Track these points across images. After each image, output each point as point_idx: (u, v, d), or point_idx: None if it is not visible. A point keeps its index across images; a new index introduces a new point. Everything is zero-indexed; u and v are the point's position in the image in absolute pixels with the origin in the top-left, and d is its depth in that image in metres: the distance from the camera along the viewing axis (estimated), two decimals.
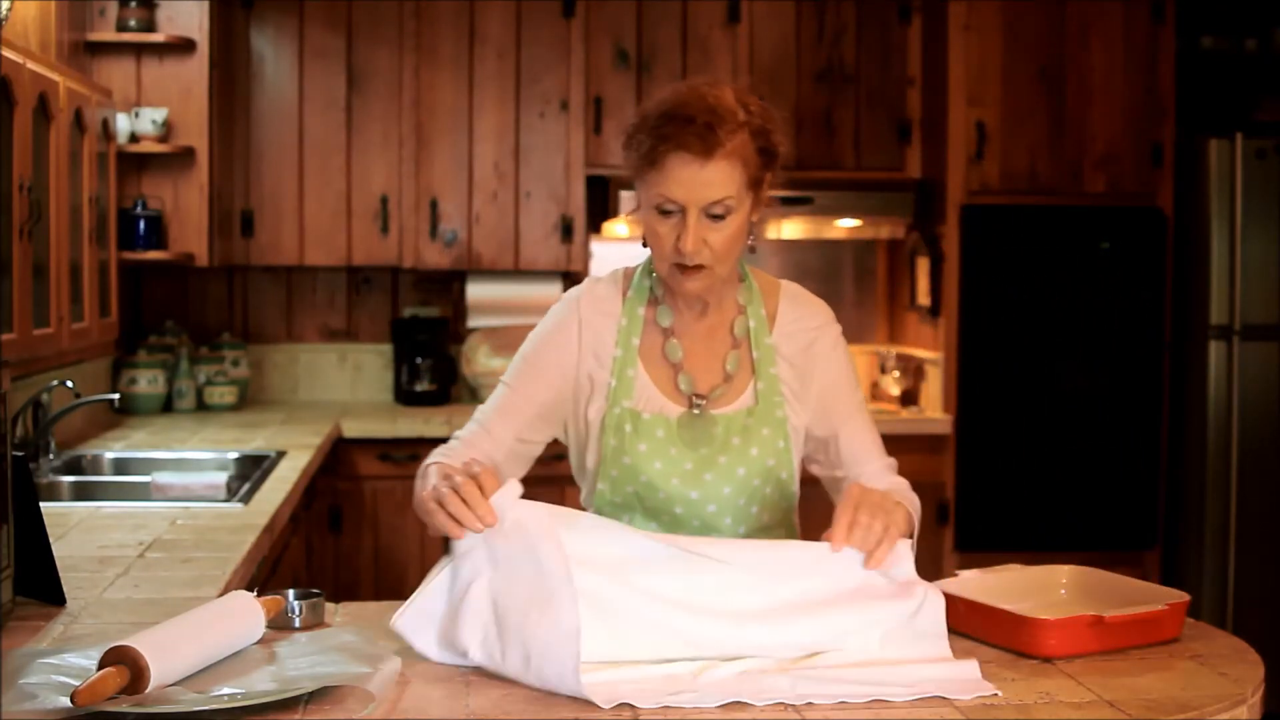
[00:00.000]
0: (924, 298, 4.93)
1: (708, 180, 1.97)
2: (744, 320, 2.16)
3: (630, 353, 2.13)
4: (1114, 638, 1.80)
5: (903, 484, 2.12)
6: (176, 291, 5.11)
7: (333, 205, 4.86)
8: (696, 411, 2.11)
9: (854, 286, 5.39)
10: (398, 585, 4.53)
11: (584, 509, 2.24)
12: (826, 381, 2.16)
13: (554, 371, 2.14)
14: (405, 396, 5.02)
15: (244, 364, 5.01)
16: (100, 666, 1.55)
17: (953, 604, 1.89)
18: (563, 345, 2.14)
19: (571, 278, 5.12)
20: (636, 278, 2.18)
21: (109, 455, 3.86)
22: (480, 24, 4.85)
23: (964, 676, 1.69)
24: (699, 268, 2.02)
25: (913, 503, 2.05)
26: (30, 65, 3.26)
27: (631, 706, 1.58)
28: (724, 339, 2.16)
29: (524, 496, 1.80)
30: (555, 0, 4.85)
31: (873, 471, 2.14)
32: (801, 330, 2.16)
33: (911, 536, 1.94)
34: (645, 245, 2.10)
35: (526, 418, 2.15)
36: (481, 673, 1.72)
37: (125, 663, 1.54)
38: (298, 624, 1.88)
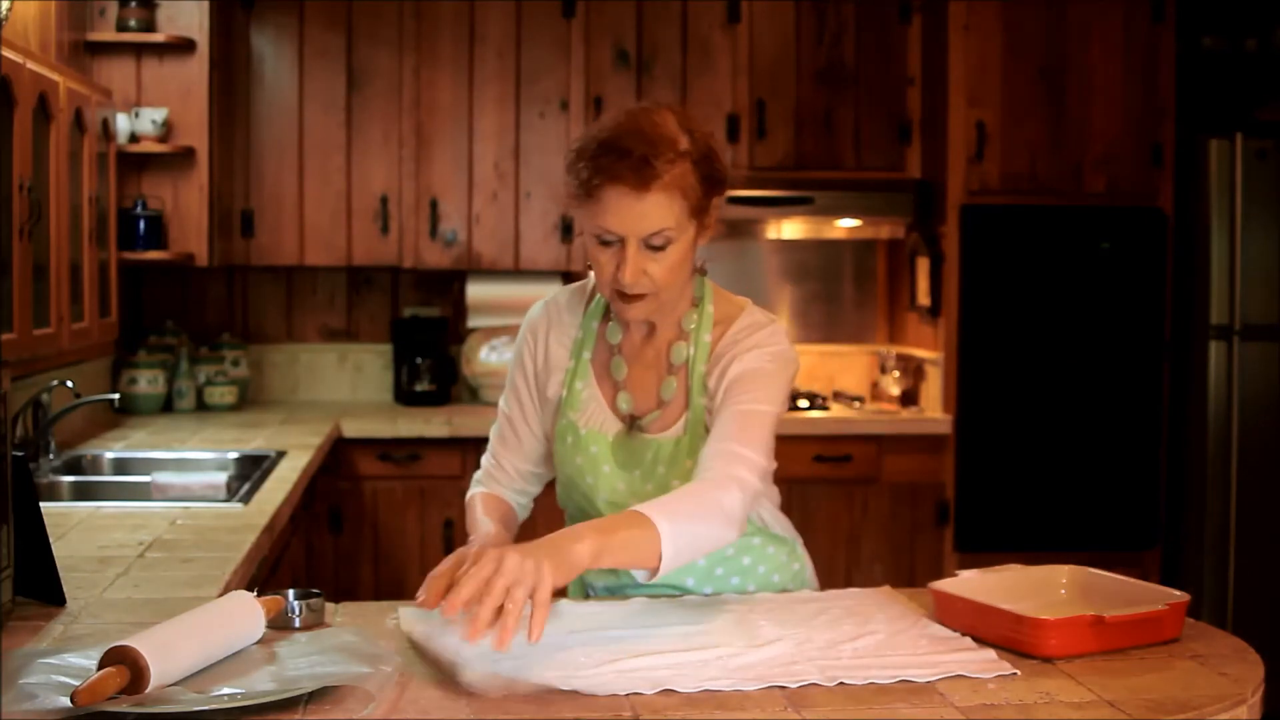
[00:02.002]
0: (924, 298, 4.93)
1: (644, 212, 1.95)
2: (683, 347, 2.12)
3: (582, 365, 2.16)
4: (1114, 638, 1.80)
5: (709, 497, 1.90)
6: (176, 291, 5.11)
7: (333, 205, 4.86)
8: (632, 434, 2.12)
9: (854, 286, 5.39)
10: (398, 585, 4.53)
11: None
12: (730, 377, 2.04)
13: (527, 395, 2.22)
14: (405, 396, 5.02)
15: (244, 364, 5.01)
16: (100, 666, 1.55)
17: (953, 604, 1.89)
18: (526, 366, 2.21)
19: (571, 278, 5.12)
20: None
21: (109, 455, 3.86)
22: (480, 24, 4.85)
23: (984, 658, 1.76)
24: (640, 296, 2.02)
25: (690, 505, 1.87)
26: (30, 65, 3.26)
27: (633, 706, 1.58)
28: (663, 364, 2.14)
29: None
30: (555, 0, 4.86)
31: (717, 451, 1.95)
32: (728, 348, 2.08)
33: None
34: (590, 269, 2.12)
35: (526, 445, 2.24)
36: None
37: (125, 663, 1.54)
38: (298, 624, 1.88)
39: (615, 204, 1.95)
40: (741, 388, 2.02)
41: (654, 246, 1.98)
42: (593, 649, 1.78)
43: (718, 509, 1.88)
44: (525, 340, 2.22)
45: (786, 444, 2.16)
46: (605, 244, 1.99)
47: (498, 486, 2.26)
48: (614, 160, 1.94)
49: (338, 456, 4.50)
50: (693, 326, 2.12)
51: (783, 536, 2.23)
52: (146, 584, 2.25)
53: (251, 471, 3.56)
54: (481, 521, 2.15)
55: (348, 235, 4.87)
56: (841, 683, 1.66)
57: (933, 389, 4.87)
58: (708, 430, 2.05)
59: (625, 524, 1.81)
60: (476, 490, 2.27)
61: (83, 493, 3.43)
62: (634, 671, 1.69)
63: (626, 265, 1.97)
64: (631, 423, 2.12)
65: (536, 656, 1.76)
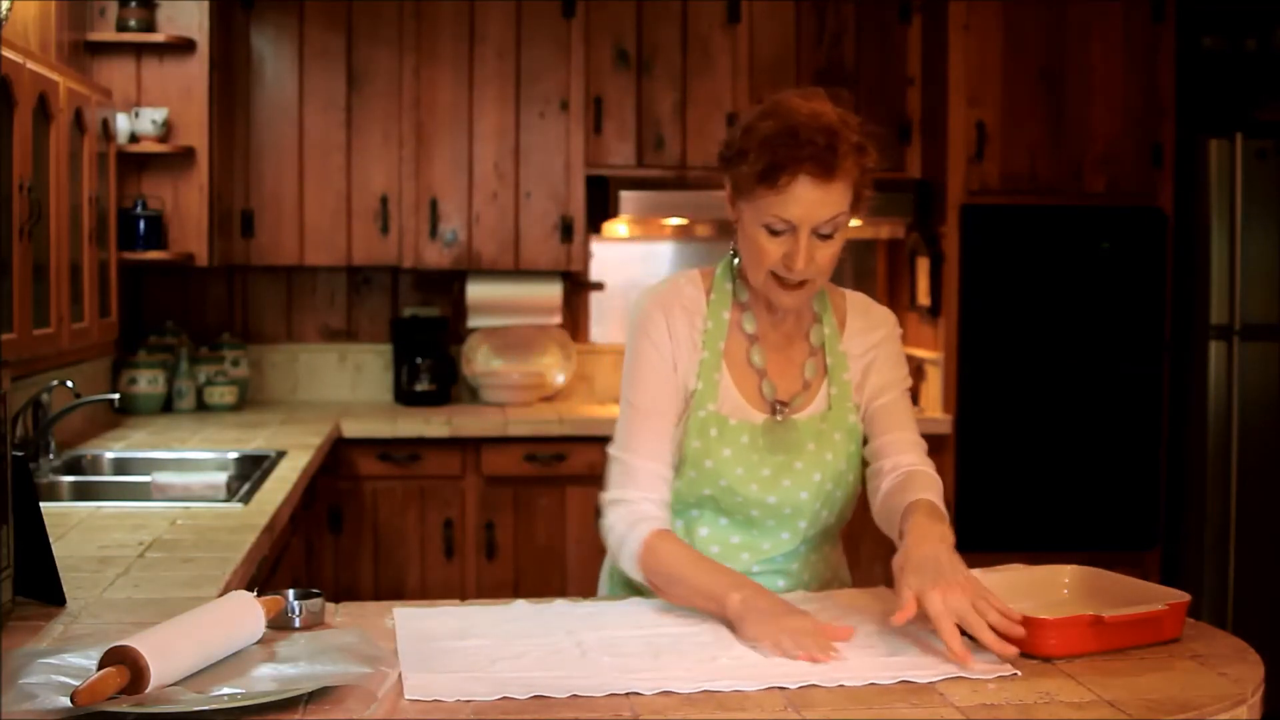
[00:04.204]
0: (924, 298, 4.93)
1: (825, 201, 1.98)
2: (819, 328, 2.20)
3: (716, 356, 2.15)
4: (1114, 638, 1.79)
5: (934, 478, 2.11)
6: (176, 291, 5.11)
7: (333, 205, 4.86)
8: (779, 418, 2.14)
9: (854, 286, 5.31)
10: (398, 585, 4.53)
11: None
12: (878, 378, 2.20)
13: (666, 372, 2.13)
14: (405, 396, 5.02)
15: (244, 364, 5.01)
16: (100, 666, 1.55)
17: None
18: (660, 344, 2.14)
19: (571, 278, 5.12)
20: (717, 280, 2.19)
21: (109, 455, 3.86)
22: (480, 24, 4.85)
23: (984, 658, 1.75)
24: (802, 283, 2.05)
25: (940, 494, 2.07)
26: (30, 65, 3.26)
27: (633, 706, 1.58)
28: (801, 346, 2.19)
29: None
30: (555, 0, 4.85)
31: (904, 441, 2.16)
32: (866, 339, 2.21)
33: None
34: (735, 253, 2.14)
35: (669, 432, 2.13)
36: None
37: (125, 663, 1.54)
38: (298, 624, 1.88)
39: (800, 193, 1.98)
40: (896, 369, 2.21)
41: (823, 235, 2.01)
42: (592, 650, 1.78)
43: (940, 488, 2.10)
44: (655, 321, 2.14)
45: None
46: (775, 233, 2.01)
47: (648, 504, 2.08)
48: (799, 149, 1.96)
49: (338, 456, 4.50)
50: (821, 309, 2.21)
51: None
52: (146, 584, 2.25)
53: (251, 471, 3.56)
54: (715, 569, 2.01)
55: (348, 235, 4.87)
56: (842, 683, 1.66)
57: (933, 389, 4.87)
58: (857, 408, 2.17)
59: (935, 510, 1.99)
60: (636, 528, 2.05)
61: (83, 493, 3.43)
62: (633, 672, 1.69)
63: (800, 253, 2.00)
64: (775, 408, 2.14)
65: (536, 658, 1.76)
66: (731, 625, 1.89)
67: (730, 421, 2.13)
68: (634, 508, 2.08)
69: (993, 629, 1.75)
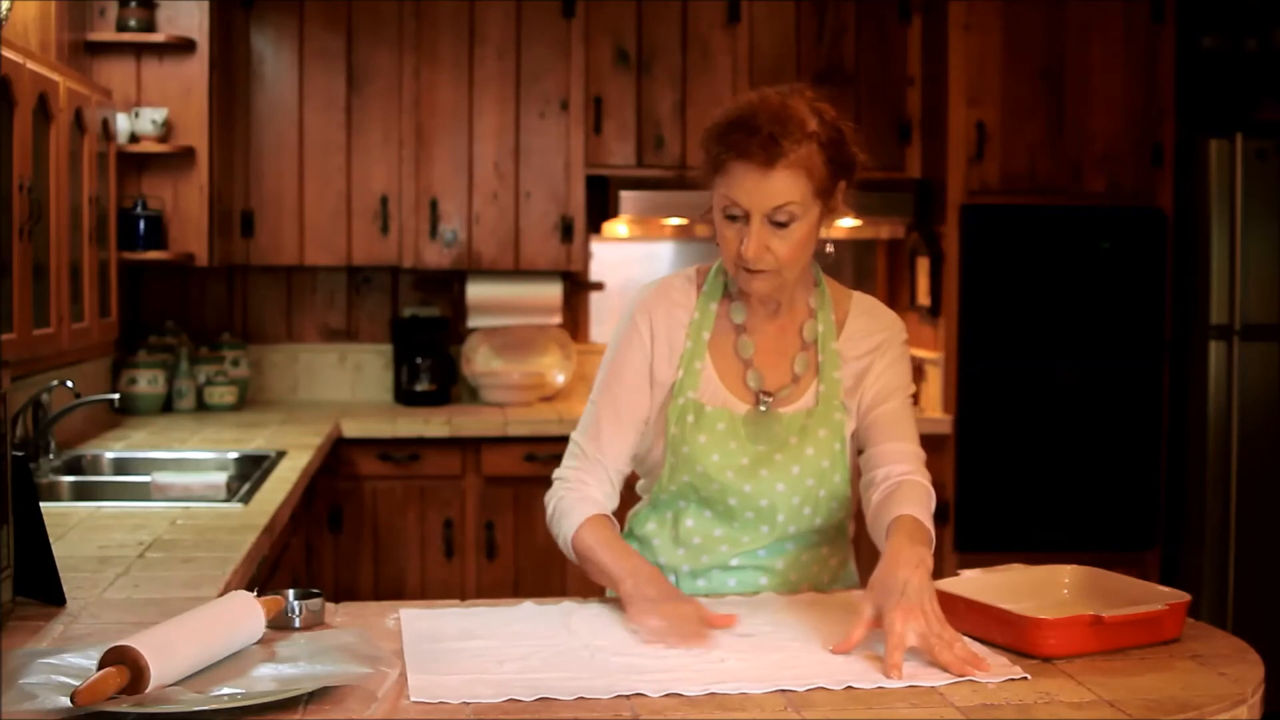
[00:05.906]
0: (924, 298, 4.93)
1: (770, 188, 2.00)
2: (814, 324, 2.20)
3: (700, 345, 2.17)
4: (1114, 638, 1.80)
5: (925, 488, 2.07)
6: (176, 291, 5.11)
7: (333, 205, 4.86)
8: (763, 409, 2.15)
9: (854, 286, 5.35)
10: (398, 585, 4.53)
11: (639, 498, 2.29)
12: (878, 384, 2.18)
13: (638, 376, 2.17)
14: (405, 396, 5.02)
15: (244, 364, 5.01)
16: (100, 666, 1.55)
17: (953, 603, 1.89)
18: (638, 346, 2.18)
19: (571, 278, 5.13)
20: (712, 274, 2.22)
21: (109, 455, 3.86)
22: (480, 24, 4.85)
23: (994, 662, 1.74)
24: (763, 270, 2.06)
25: (928, 506, 2.03)
26: (30, 65, 3.26)
27: (633, 707, 1.58)
28: (794, 340, 2.19)
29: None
30: (555, 0, 4.85)
31: (899, 450, 2.12)
32: (865, 341, 2.20)
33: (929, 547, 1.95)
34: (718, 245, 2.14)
35: (629, 434, 2.18)
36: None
37: (125, 663, 1.54)
38: (298, 624, 1.88)
39: (741, 178, 2.01)
40: (898, 376, 2.18)
41: (778, 223, 2.03)
42: (601, 652, 1.78)
43: (930, 499, 2.06)
44: (635, 323, 2.18)
45: None
46: (731, 219, 2.05)
47: (593, 487, 2.16)
48: (743, 137, 2.00)
49: (338, 456, 4.50)
50: (817, 305, 2.21)
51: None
52: (146, 584, 2.25)
53: (251, 471, 3.56)
54: (624, 554, 2.08)
55: (348, 235, 4.87)
56: (850, 685, 1.66)
57: (933, 389, 4.87)
58: (844, 406, 2.16)
59: (918, 528, 1.95)
60: (577, 506, 2.14)
61: (83, 493, 3.43)
62: (641, 673, 1.69)
63: (751, 240, 2.02)
64: (759, 398, 2.15)
65: (543, 659, 1.76)
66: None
67: (707, 409, 2.14)
68: (580, 491, 2.15)
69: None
